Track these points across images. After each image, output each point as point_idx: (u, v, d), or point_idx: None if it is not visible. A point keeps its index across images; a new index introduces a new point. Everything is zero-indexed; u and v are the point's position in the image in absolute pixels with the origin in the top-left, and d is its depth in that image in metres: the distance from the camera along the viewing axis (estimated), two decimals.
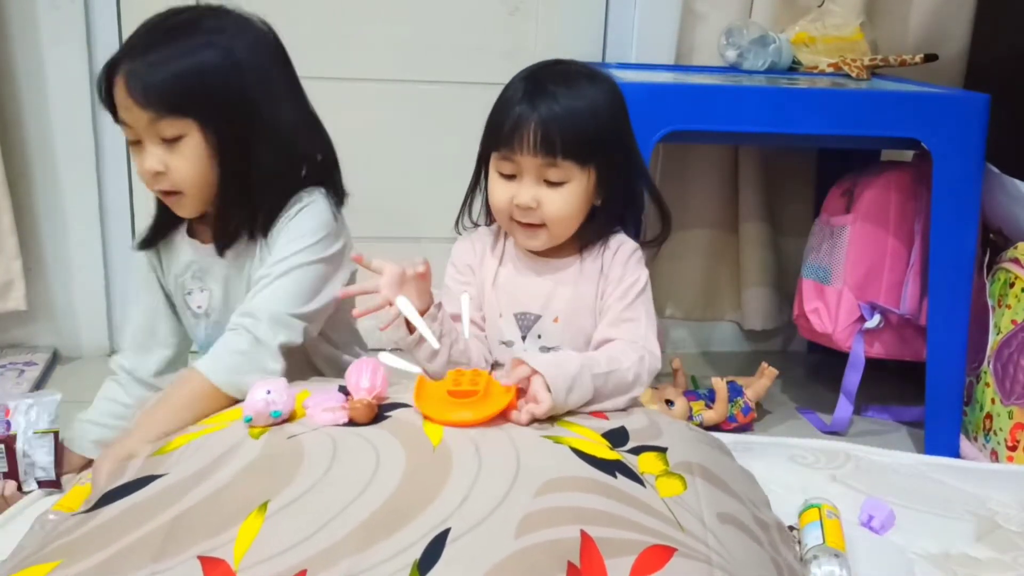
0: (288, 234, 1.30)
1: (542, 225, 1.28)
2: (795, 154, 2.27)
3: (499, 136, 1.26)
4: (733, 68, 2.05)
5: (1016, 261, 1.78)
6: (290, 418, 1.11)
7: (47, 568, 0.90)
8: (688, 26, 2.12)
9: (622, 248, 1.33)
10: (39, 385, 1.95)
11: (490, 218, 1.39)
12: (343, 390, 1.16)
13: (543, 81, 1.26)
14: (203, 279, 1.38)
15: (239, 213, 1.31)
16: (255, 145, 1.29)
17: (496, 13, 2.12)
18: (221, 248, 1.33)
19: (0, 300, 2.00)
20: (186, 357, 1.46)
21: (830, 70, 2.01)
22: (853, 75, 1.96)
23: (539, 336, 1.33)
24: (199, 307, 1.38)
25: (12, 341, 2.11)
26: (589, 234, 1.32)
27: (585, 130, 1.25)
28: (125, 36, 1.97)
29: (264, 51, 1.32)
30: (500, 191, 1.28)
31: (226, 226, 1.33)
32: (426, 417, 1.10)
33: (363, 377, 1.13)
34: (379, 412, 1.12)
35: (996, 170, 1.81)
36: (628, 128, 1.33)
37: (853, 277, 1.88)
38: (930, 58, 2.02)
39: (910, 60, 2.00)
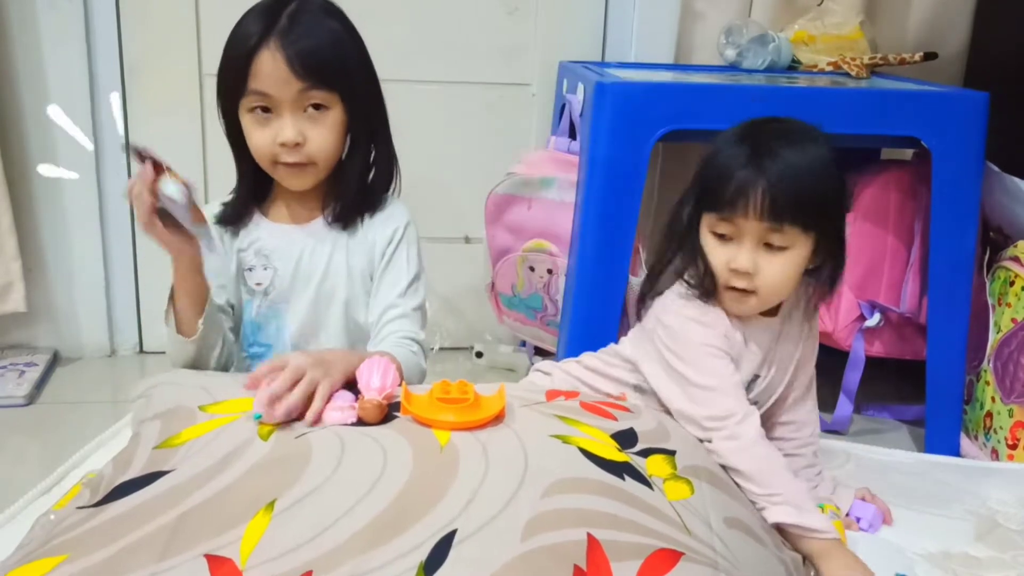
0: (408, 257, 1.40)
1: (754, 292, 1.23)
2: None
3: (721, 198, 1.20)
4: (732, 67, 2.05)
5: (1016, 259, 1.77)
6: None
7: (53, 563, 0.90)
8: (687, 25, 2.12)
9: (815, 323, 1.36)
10: (40, 386, 1.95)
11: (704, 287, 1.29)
12: (353, 389, 1.16)
13: (767, 141, 1.20)
14: (269, 257, 1.40)
15: (357, 193, 1.39)
16: (378, 129, 1.39)
17: (495, 13, 2.12)
18: (344, 224, 1.39)
19: (0, 302, 2.00)
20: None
21: (829, 69, 2.01)
22: (853, 74, 1.96)
23: (755, 397, 1.31)
24: (258, 284, 1.40)
25: (12, 342, 2.11)
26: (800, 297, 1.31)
27: (811, 193, 1.20)
28: (124, 36, 2.00)
29: None
30: (717, 252, 1.24)
31: (341, 204, 1.39)
32: (413, 417, 1.10)
33: (374, 376, 1.13)
34: (388, 412, 1.12)
35: (996, 168, 1.81)
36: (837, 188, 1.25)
37: (853, 276, 1.88)
38: (930, 56, 2.02)
39: (909, 59, 2.00)
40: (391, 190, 1.44)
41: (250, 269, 1.40)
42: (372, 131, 1.39)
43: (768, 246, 1.20)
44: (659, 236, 1.33)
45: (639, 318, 1.37)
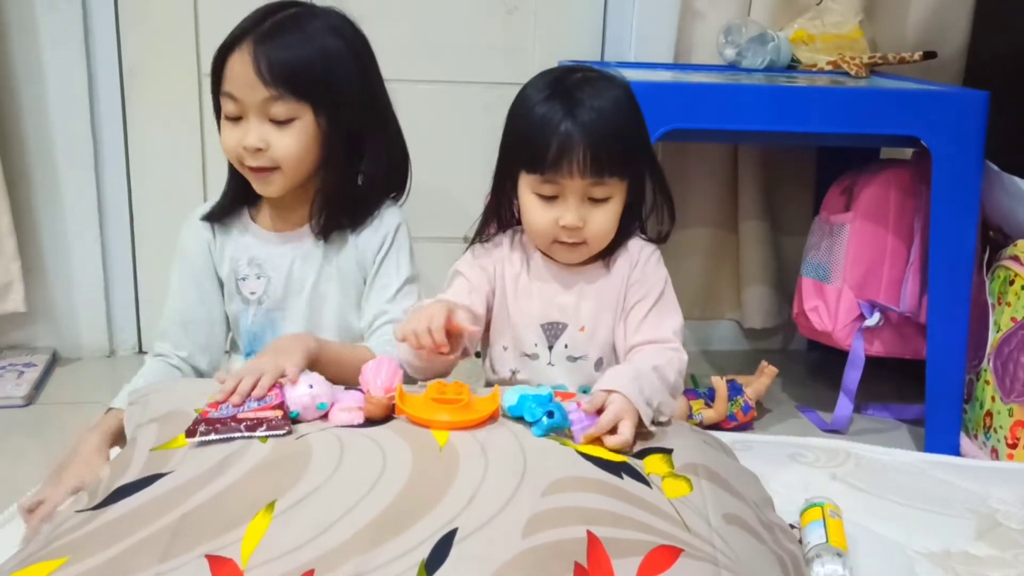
0: (398, 263, 1.40)
1: (583, 242, 1.28)
2: (794, 152, 2.27)
3: (542, 159, 1.22)
4: (732, 66, 2.05)
5: (1016, 259, 1.78)
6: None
7: (53, 565, 0.90)
8: (687, 24, 2.12)
9: (643, 252, 1.34)
10: (39, 386, 1.95)
11: (499, 228, 1.38)
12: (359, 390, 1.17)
13: (574, 94, 1.23)
14: (261, 266, 1.40)
15: (339, 204, 1.37)
16: (369, 139, 1.37)
17: (495, 12, 2.12)
18: (324, 235, 1.38)
19: None
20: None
21: (829, 68, 2.01)
22: (852, 73, 1.96)
23: (565, 346, 1.33)
24: (252, 293, 1.40)
25: (11, 343, 2.10)
26: (614, 240, 1.32)
27: (626, 144, 1.25)
28: (123, 37, 2.00)
29: (372, 54, 1.39)
30: (542, 213, 1.26)
31: (323, 215, 1.38)
32: (408, 416, 1.11)
33: (381, 376, 1.15)
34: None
35: (995, 167, 1.81)
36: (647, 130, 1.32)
37: (853, 275, 1.88)
38: (929, 56, 2.02)
39: (909, 58, 2.00)
40: (395, 197, 1.44)
41: (243, 278, 1.40)
42: (358, 142, 1.37)
43: (591, 199, 1.25)
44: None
45: None
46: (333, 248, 1.40)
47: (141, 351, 2.18)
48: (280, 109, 1.29)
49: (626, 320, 1.32)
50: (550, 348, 1.33)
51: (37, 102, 1.98)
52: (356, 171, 1.40)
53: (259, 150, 1.30)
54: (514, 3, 2.12)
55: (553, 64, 2.07)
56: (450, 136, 2.15)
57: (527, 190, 1.27)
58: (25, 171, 2.01)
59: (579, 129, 1.21)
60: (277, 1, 1.34)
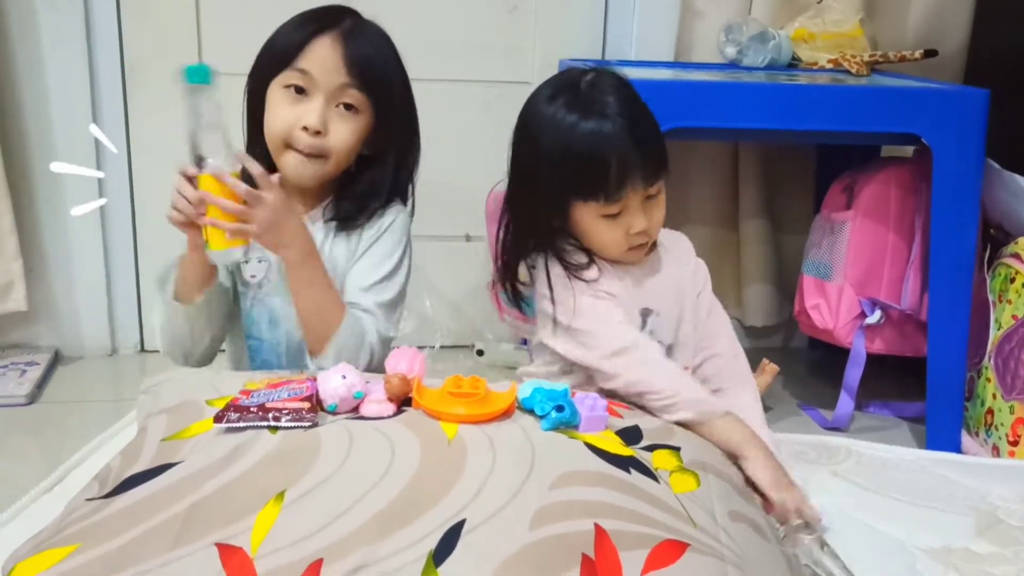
0: (385, 251, 1.40)
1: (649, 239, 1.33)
2: (795, 150, 2.27)
3: (608, 186, 1.25)
4: (732, 65, 2.05)
5: (1016, 256, 1.78)
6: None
7: (64, 552, 0.91)
8: (687, 23, 2.12)
9: (685, 241, 1.45)
10: (41, 386, 1.95)
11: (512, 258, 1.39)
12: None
13: (606, 110, 1.25)
14: (262, 249, 1.39)
15: (368, 199, 1.40)
16: (405, 156, 1.43)
17: (495, 11, 2.12)
18: (341, 228, 1.40)
19: (1, 301, 2.00)
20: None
21: (830, 66, 2.01)
22: (853, 71, 1.96)
23: (651, 332, 1.36)
24: (252, 276, 1.41)
25: (13, 342, 2.10)
26: None
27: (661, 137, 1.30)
28: (125, 37, 2.00)
29: None
30: (612, 231, 1.29)
31: (344, 207, 1.40)
32: (424, 409, 1.11)
33: (401, 363, 1.17)
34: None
35: (996, 165, 1.81)
36: None
37: (854, 273, 1.88)
38: (930, 53, 2.02)
39: (910, 56, 2.00)
40: (401, 203, 1.46)
41: (246, 261, 1.40)
42: (400, 156, 1.42)
43: (648, 198, 1.29)
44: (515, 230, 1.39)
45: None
46: (341, 235, 1.41)
47: (143, 350, 2.18)
48: (351, 96, 1.33)
49: (700, 310, 1.40)
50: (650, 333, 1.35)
51: (38, 101, 1.98)
52: (387, 178, 1.43)
53: (318, 132, 1.32)
54: (514, 2, 2.12)
55: (553, 63, 2.09)
56: (450, 135, 2.15)
57: (592, 216, 1.29)
58: (27, 170, 2.01)
59: (633, 145, 1.24)
60: (335, 5, 1.39)
